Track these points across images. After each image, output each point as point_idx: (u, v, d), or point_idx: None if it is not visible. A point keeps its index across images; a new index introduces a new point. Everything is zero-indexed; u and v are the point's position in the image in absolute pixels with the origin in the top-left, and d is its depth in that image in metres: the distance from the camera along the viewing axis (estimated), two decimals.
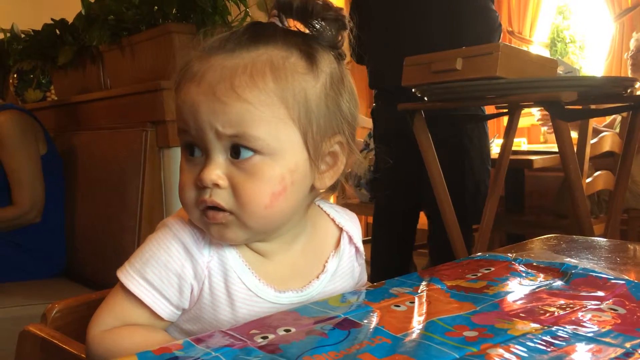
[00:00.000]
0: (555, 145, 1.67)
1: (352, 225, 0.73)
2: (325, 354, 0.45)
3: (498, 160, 1.92)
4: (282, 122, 0.58)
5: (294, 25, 0.63)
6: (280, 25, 0.62)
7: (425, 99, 1.79)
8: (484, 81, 1.61)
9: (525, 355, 0.44)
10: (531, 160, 2.31)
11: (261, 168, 0.58)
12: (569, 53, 4.43)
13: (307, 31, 0.62)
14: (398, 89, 1.84)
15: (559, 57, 3.76)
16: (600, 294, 0.59)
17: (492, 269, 0.69)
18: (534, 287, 0.62)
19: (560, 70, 1.90)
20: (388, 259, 2.29)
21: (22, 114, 1.84)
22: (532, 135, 3.85)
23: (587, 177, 2.26)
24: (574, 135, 2.10)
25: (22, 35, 2.22)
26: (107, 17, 1.75)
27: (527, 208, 2.81)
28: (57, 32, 2.07)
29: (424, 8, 2.07)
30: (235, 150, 0.58)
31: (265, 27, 0.61)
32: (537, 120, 2.88)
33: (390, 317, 0.53)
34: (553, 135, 1.68)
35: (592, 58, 4.29)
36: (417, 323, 0.52)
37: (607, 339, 0.47)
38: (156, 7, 1.65)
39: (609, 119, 2.99)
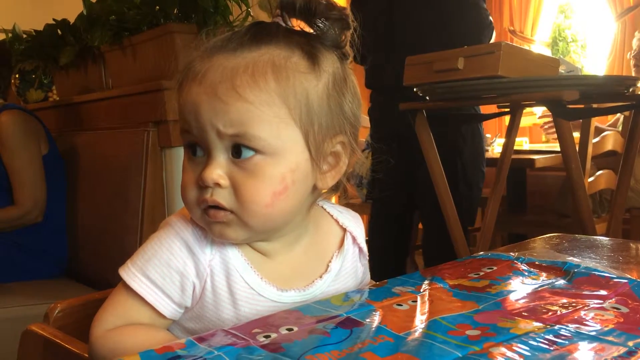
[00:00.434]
0: (557, 144, 1.67)
1: (355, 225, 0.73)
2: (328, 352, 0.46)
3: (500, 159, 1.92)
4: (284, 122, 0.58)
5: (298, 24, 0.63)
6: (283, 24, 0.62)
7: (427, 98, 1.79)
8: (486, 80, 1.60)
9: (528, 354, 0.44)
10: (533, 160, 2.31)
11: (262, 167, 0.58)
12: (570, 52, 4.43)
13: (310, 31, 0.62)
14: (390, 87, 1.82)
15: (561, 56, 3.76)
16: (603, 292, 0.59)
17: (495, 268, 0.69)
18: (536, 286, 0.62)
19: (562, 70, 1.90)
20: (382, 263, 2.27)
21: (24, 114, 1.84)
22: (534, 134, 3.84)
23: (590, 177, 2.26)
24: (576, 134, 2.10)
25: (24, 36, 2.22)
26: (109, 17, 1.75)
27: (529, 207, 2.80)
28: (59, 32, 2.07)
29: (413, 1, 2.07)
30: (237, 149, 0.58)
31: (267, 27, 0.61)
32: (541, 127, 2.87)
33: (393, 316, 0.53)
34: (555, 134, 1.68)
35: (594, 57, 4.29)
36: (420, 322, 0.52)
37: (610, 338, 0.47)
38: (157, 7, 1.65)
39: (612, 118, 2.99)
